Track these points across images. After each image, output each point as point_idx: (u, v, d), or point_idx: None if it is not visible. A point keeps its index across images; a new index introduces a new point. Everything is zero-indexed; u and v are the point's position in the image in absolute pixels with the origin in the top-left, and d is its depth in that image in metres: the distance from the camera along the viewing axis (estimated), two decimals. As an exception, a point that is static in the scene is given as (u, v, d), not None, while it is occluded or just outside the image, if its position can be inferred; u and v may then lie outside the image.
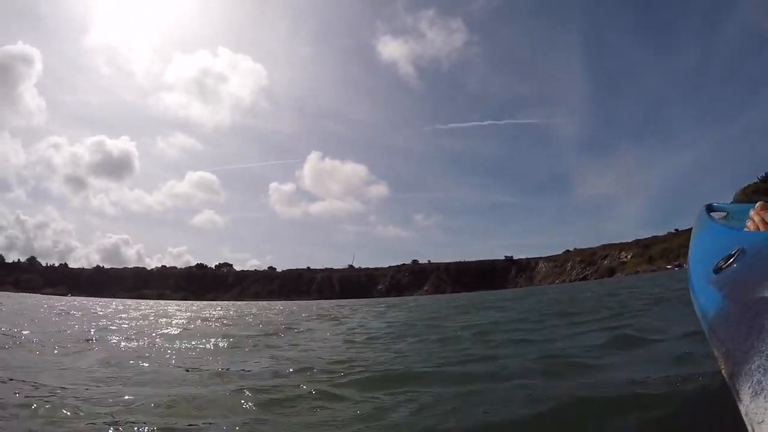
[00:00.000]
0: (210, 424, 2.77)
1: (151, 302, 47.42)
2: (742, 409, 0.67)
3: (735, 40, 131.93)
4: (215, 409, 3.12)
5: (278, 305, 40.08)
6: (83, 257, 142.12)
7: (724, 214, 2.03)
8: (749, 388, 0.66)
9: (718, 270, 1.07)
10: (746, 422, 0.65)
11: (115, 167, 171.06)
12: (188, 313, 20.03)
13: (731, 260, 1.05)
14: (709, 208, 2.06)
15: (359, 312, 19.35)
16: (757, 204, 1.40)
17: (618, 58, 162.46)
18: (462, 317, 12.01)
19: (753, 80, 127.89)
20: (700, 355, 3.51)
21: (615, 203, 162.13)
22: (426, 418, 2.75)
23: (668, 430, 2.32)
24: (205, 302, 60.55)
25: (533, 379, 3.52)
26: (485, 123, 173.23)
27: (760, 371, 0.66)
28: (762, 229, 1.32)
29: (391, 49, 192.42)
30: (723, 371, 0.80)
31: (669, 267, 66.53)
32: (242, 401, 3.24)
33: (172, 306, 33.69)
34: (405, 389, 3.48)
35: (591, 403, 2.70)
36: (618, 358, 4.21)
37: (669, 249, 79.81)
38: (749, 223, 1.38)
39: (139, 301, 54.25)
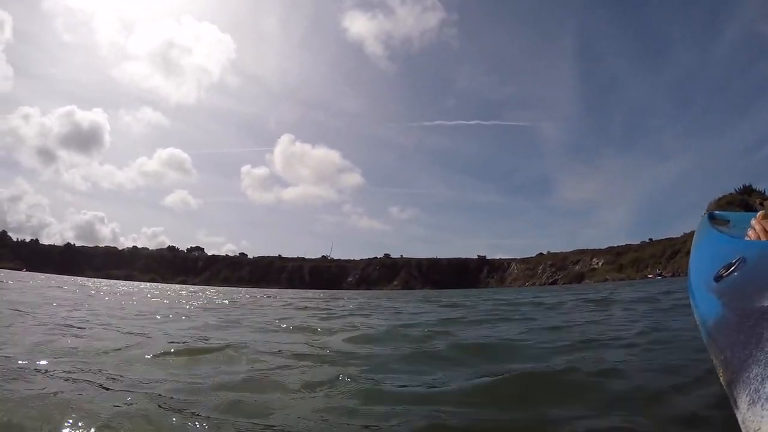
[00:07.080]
0: None
1: (95, 281, 46.20)
2: (739, 417, 0.68)
3: (729, 52, 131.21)
4: None
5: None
6: (57, 233, 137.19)
7: (726, 222, 2.05)
8: (746, 396, 0.67)
9: (718, 278, 1.09)
10: (743, 430, 0.66)
11: (85, 140, 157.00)
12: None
13: (732, 269, 1.06)
14: (711, 216, 2.09)
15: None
16: (759, 213, 1.43)
17: (609, 65, 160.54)
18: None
19: (744, 94, 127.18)
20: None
21: (595, 209, 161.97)
22: None
23: None
24: (167, 285, 59.67)
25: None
26: (472, 122, 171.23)
27: (757, 380, 0.67)
28: (763, 238, 1.33)
29: (359, 24, 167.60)
30: (721, 379, 0.80)
31: (650, 276, 65.70)
32: None
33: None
34: None
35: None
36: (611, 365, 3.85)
37: (640, 258, 79.64)
38: (750, 232, 1.41)
39: (99, 281, 52.89)
